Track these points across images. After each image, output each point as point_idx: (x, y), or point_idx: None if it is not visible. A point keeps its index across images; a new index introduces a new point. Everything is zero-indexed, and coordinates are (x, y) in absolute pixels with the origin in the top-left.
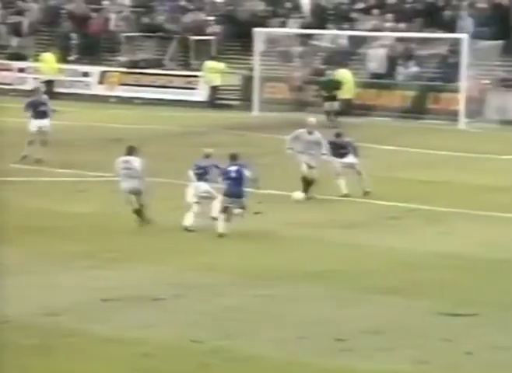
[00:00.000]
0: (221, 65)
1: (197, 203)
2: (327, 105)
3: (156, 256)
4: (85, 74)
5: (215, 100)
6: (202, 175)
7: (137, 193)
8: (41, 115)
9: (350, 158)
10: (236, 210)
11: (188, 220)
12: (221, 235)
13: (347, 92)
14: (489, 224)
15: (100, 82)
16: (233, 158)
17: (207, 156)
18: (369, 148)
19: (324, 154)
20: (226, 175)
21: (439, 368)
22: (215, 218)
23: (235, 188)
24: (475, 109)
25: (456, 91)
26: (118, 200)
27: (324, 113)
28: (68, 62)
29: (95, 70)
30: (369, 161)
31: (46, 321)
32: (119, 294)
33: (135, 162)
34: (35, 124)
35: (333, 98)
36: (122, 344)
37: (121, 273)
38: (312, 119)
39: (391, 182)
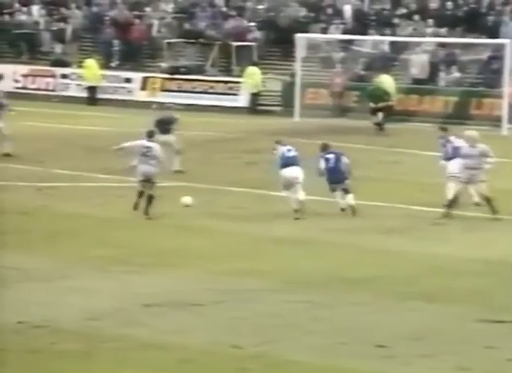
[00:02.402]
0: (258, 73)
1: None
2: (374, 118)
3: (194, 260)
4: (128, 81)
5: (256, 106)
6: (293, 159)
7: (151, 180)
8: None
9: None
10: (348, 200)
11: (294, 204)
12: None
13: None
14: None
15: (142, 88)
16: (326, 147)
17: (277, 142)
18: (410, 154)
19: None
20: (325, 162)
21: None
22: (297, 211)
23: (337, 174)
24: None
25: (499, 96)
26: (158, 205)
27: (374, 125)
28: (110, 68)
29: (137, 76)
30: (410, 167)
31: (87, 326)
32: (159, 300)
33: (157, 150)
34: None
35: (380, 109)
36: (162, 349)
37: (160, 279)
38: (472, 132)
39: (433, 188)
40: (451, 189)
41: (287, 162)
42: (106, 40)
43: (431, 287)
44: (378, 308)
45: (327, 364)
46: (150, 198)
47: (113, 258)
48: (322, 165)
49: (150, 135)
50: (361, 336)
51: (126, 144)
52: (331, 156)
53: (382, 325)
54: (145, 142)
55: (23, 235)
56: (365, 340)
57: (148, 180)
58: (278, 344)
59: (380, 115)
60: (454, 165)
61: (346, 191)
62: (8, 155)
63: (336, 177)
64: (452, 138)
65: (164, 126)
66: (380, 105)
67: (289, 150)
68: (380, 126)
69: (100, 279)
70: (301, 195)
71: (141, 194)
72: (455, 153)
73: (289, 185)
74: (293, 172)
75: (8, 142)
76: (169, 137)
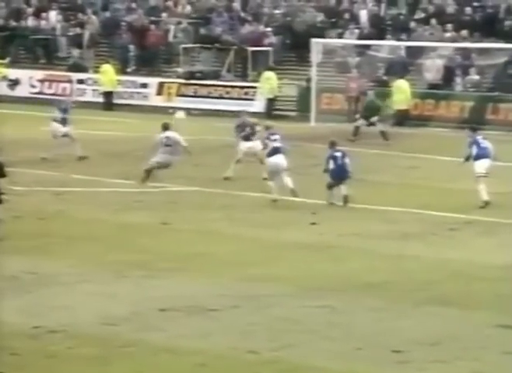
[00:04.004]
0: (274, 78)
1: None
2: (361, 122)
3: (211, 266)
4: (144, 86)
5: (272, 111)
6: (279, 148)
7: (167, 166)
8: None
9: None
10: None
11: (275, 194)
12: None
13: (403, 102)
14: None
15: (158, 93)
16: (333, 144)
17: (267, 128)
18: (426, 159)
19: None
20: (333, 159)
21: None
22: (276, 201)
23: (343, 172)
24: None
25: None
26: (174, 210)
27: (354, 128)
28: (126, 74)
29: (153, 81)
30: (426, 171)
31: (103, 330)
32: (175, 305)
33: (175, 137)
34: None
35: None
36: (178, 354)
37: (176, 284)
38: None
39: (448, 193)
40: (484, 191)
41: (273, 151)
42: (122, 46)
43: (448, 292)
44: (394, 313)
45: (343, 370)
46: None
47: (131, 263)
48: (331, 165)
49: (165, 128)
50: (377, 341)
51: (154, 159)
52: (338, 154)
53: (398, 331)
54: (161, 134)
55: (41, 240)
56: (381, 346)
57: (165, 166)
58: (295, 349)
59: (381, 125)
60: (481, 165)
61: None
62: (84, 157)
63: (341, 175)
64: (479, 139)
65: (244, 132)
66: (373, 119)
67: (275, 140)
68: (383, 134)
69: (118, 284)
70: (289, 182)
71: (149, 172)
72: (482, 153)
73: (274, 172)
74: (278, 160)
75: (78, 144)
76: (254, 145)
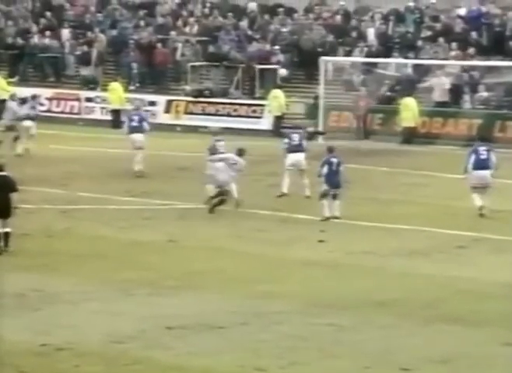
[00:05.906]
0: (282, 96)
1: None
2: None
3: (219, 283)
4: (152, 104)
5: (280, 129)
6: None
7: (224, 188)
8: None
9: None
10: (335, 207)
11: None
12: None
13: (411, 120)
14: None
15: (166, 111)
16: (331, 150)
17: (217, 140)
18: (433, 177)
19: None
20: (329, 165)
21: None
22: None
23: (336, 178)
24: None
25: None
26: (181, 227)
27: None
28: (132, 91)
29: (161, 99)
30: (434, 189)
31: (110, 348)
32: (183, 322)
33: (241, 164)
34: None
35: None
36: (187, 372)
37: (184, 301)
38: None
39: (456, 210)
40: (477, 198)
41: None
42: (129, 63)
43: (456, 310)
44: (403, 331)
45: None
46: (222, 201)
47: (138, 280)
48: (325, 169)
49: (240, 154)
50: (385, 359)
51: (218, 157)
52: (334, 160)
53: (407, 349)
54: (234, 156)
55: (48, 258)
56: (389, 364)
57: (221, 187)
58: (303, 367)
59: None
60: (477, 176)
61: (335, 197)
62: (141, 174)
63: (335, 181)
64: (480, 149)
65: (294, 148)
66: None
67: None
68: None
69: (124, 302)
70: (234, 190)
71: (217, 196)
72: (480, 164)
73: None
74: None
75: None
76: (299, 157)
